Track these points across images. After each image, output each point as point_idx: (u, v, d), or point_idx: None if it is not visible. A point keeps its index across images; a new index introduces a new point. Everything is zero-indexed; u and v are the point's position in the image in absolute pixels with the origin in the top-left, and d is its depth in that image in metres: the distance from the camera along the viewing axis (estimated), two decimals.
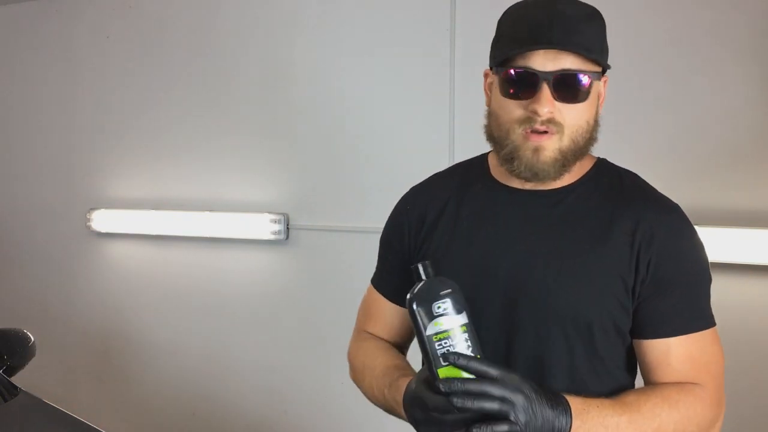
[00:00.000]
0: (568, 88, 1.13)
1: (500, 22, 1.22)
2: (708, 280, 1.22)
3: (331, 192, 2.87)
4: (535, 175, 1.17)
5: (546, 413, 1.02)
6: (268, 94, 3.00)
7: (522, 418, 1.00)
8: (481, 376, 1.01)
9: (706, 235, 2.09)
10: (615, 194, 1.22)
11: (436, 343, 1.03)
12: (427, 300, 1.05)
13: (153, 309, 3.32)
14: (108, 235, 3.43)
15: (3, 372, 2.06)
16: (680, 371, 1.16)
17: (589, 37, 1.14)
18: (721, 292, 2.14)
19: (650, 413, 1.10)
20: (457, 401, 0.99)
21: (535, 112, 1.13)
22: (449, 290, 1.05)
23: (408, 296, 1.06)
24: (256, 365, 3.06)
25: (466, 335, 1.04)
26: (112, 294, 3.44)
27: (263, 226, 2.95)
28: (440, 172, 1.41)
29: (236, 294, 3.10)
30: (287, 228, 2.94)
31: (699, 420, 1.14)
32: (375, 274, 1.45)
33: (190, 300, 3.21)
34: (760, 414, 2.14)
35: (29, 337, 2.17)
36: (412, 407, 1.08)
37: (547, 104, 1.12)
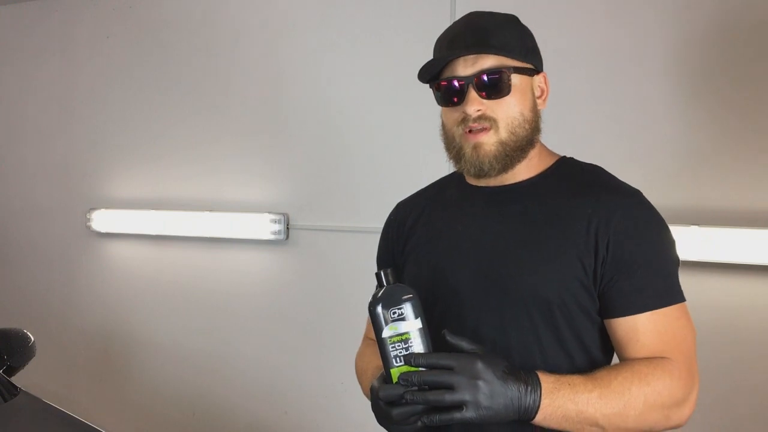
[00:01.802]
0: (491, 85, 1.24)
1: (434, 47, 1.33)
2: (673, 260, 1.27)
3: (331, 192, 2.87)
4: (480, 170, 1.27)
5: (511, 393, 1.09)
6: (268, 94, 3.00)
7: (476, 405, 1.07)
8: (437, 368, 1.09)
9: (706, 235, 2.11)
10: (574, 184, 1.30)
11: (390, 346, 1.13)
12: (386, 305, 1.14)
13: (153, 309, 3.32)
14: (108, 235, 3.43)
15: (3, 372, 2.06)
16: (649, 346, 1.21)
17: (503, 38, 1.26)
18: (721, 292, 2.15)
19: (620, 387, 1.15)
20: (407, 395, 1.09)
21: (466, 113, 1.25)
22: (407, 296, 1.14)
23: (369, 301, 1.15)
24: (256, 365, 3.06)
25: (420, 338, 1.13)
26: (112, 294, 3.44)
27: (263, 226, 2.95)
28: (423, 188, 1.53)
29: (236, 294, 3.10)
30: (287, 228, 2.94)
31: (669, 393, 1.17)
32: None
33: (190, 300, 3.21)
34: (760, 414, 2.14)
35: (29, 337, 2.17)
36: (373, 403, 1.20)
37: (473, 104, 1.24)
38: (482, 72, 1.24)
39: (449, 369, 1.09)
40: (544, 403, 1.11)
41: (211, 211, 3.09)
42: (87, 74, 3.48)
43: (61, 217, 3.56)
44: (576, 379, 1.15)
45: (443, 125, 1.34)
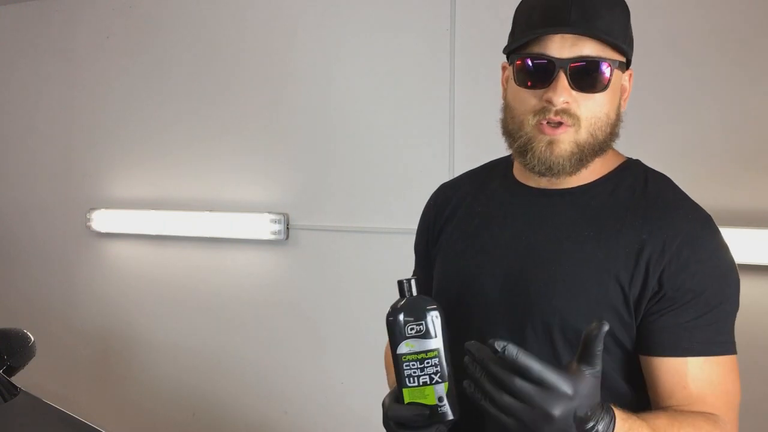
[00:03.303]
0: (586, 76, 1.06)
1: (516, 11, 1.15)
2: (733, 305, 1.11)
3: (331, 192, 2.87)
4: (548, 169, 1.10)
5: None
6: (268, 93, 3.00)
7: None
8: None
9: None
10: (634, 197, 1.13)
11: (405, 364, 1.03)
12: (404, 319, 1.04)
13: (153, 309, 3.32)
14: (108, 235, 3.42)
15: (3, 372, 2.06)
16: (698, 397, 1.06)
17: (610, 22, 1.07)
18: None
19: None
20: (473, 369, 0.93)
21: (550, 101, 1.06)
22: (428, 312, 1.03)
23: (388, 310, 1.05)
24: (256, 365, 3.06)
25: (436, 360, 1.02)
26: (112, 294, 3.44)
27: (263, 226, 2.95)
28: (470, 170, 1.37)
29: (236, 294, 3.10)
30: (287, 228, 2.94)
31: None
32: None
33: (190, 300, 3.21)
34: (762, 417, 2.14)
35: (29, 337, 2.17)
36: (383, 420, 1.08)
37: (562, 93, 1.06)
38: (581, 59, 1.05)
39: (542, 385, 0.88)
40: None
41: (211, 211, 3.09)
42: (87, 74, 3.48)
43: (61, 217, 3.56)
44: (644, 427, 0.98)
45: (509, 108, 1.14)
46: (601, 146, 1.11)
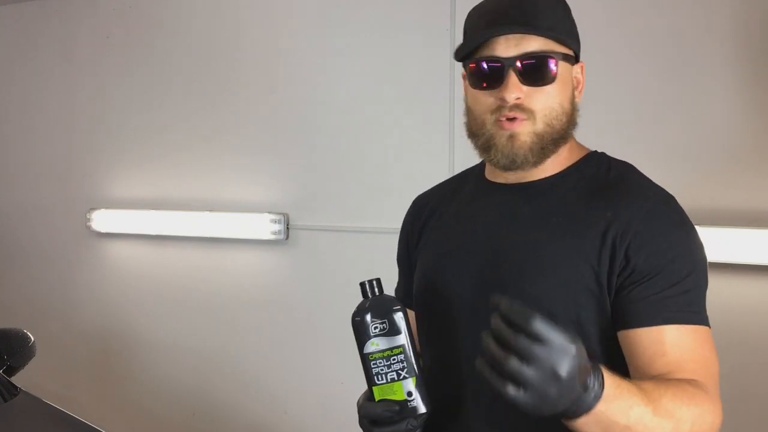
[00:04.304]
0: (534, 71, 1.12)
1: (465, 22, 1.22)
2: (703, 279, 1.14)
3: (331, 192, 2.86)
4: (512, 162, 1.15)
5: (575, 393, 0.90)
6: (268, 93, 3.00)
7: (538, 396, 0.88)
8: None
9: (706, 235, 2.10)
10: (598, 185, 1.18)
11: (371, 363, 1.06)
12: (367, 318, 1.07)
13: (153, 309, 3.32)
14: (108, 235, 3.42)
15: (3, 372, 2.06)
16: (678, 364, 1.07)
17: (551, 19, 1.13)
18: (721, 292, 2.15)
19: (671, 405, 1.00)
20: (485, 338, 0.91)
21: (503, 99, 1.12)
22: (392, 310, 1.07)
23: (353, 312, 1.08)
24: (256, 365, 3.06)
25: (402, 356, 1.05)
26: (112, 294, 3.44)
27: (263, 226, 2.95)
28: (447, 179, 1.42)
29: (236, 294, 3.09)
30: (287, 228, 2.94)
31: (711, 419, 1.05)
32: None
33: (190, 300, 3.21)
34: (760, 416, 2.14)
35: (29, 337, 2.17)
36: (359, 418, 1.11)
37: (513, 90, 1.11)
38: (526, 56, 1.11)
39: (539, 340, 0.87)
40: (598, 409, 0.93)
41: (211, 211, 3.09)
42: (87, 74, 3.48)
43: (61, 217, 3.56)
44: (633, 389, 0.98)
45: (470, 110, 1.20)
46: (560, 134, 1.16)
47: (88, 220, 3.41)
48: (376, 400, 1.07)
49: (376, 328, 1.06)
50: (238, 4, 3.07)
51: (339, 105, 2.84)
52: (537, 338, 0.87)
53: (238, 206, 3.05)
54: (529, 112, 1.13)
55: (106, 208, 3.38)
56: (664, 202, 1.16)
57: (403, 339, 1.06)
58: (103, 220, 3.38)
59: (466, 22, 1.21)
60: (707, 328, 1.12)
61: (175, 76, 3.23)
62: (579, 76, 1.21)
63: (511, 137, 1.14)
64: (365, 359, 1.07)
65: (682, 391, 1.03)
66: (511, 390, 0.88)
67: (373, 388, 1.07)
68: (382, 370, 1.06)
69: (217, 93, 3.12)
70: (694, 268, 1.13)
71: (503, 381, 0.88)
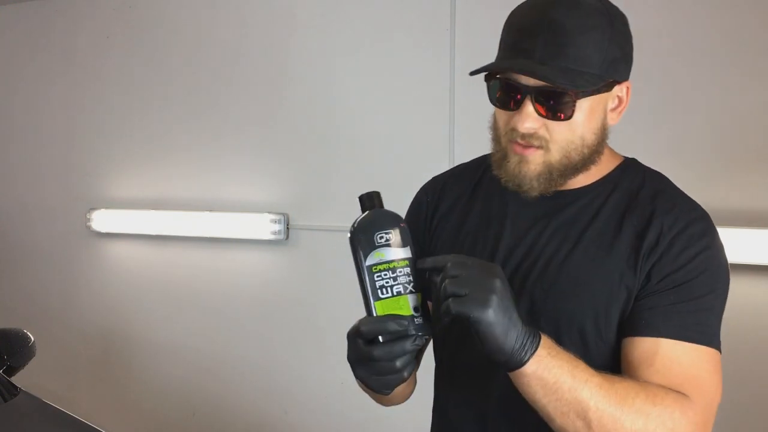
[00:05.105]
0: (553, 104, 1.05)
1: (505, 22, 1.13)
2: (721, 301, 1.10)
3: (331, 192, 2.86)
4: (518, 186, 1.11)
5: (515, 323, 0.94)
6: (268, 94, 3.00)
7: (490, 309, 0.92)
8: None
9: None
10: (632, 197, 1.14)
11: (375, 275, 0.97)
12: (370, 229, 0.98)
13: (153, 309, 3.32)
14: (108, 235, 3.43)
15: (3, 372, 2.06)
16: (663, 376, 1.02)
17: (584, 47, 1.04)
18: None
19: (624, 392, 0.98)
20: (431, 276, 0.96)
21: (515, 128, 1.07)
22: (396, 222, 0.99)
23: (351, 226, 1.00)
24: (256, 365, 3.06)
25: (408, 269, 0.98)
26: (112, 294, 3.44)
27: (263, 226, 2.95)
28: (465, 164, 1.35)
29: (236, 294, 3.10)
30: (287, 228, 2.94)
31: (672, 425, 0.98)
32: None
33: (190, 300, 3.21)
34: (761, 416, 2.14)
35: (29, 337, 2.18)
36: (349, 347, 1.00)
37: (527, 119, 1.05)
38: (545, 89, 1.04)
39: (464, 265, 0.93)
40: (541, 353, 0.95)
41: (211, 211, 3.09)
42: (87, 74, 3.48)
43: (61, 217, 3.56)
44: (578, 360, 0.99)
45: (495, 119, 1.15)
46: (575, 166, 1.11)
47: (88, 220, 3.41)
48: (378, 314, 0.98)
49: (381, 238, 0.98)
50: (238, 5, 3.07)
51: (339, 105, 2.84)
52: (461, 265, 0.95)
53: (238, 206, 3.05)
54: (544, 141, 1.08)
55: (106, 208, 3.38)
56: (697, 221, 1.11)
57: (410, 252, 0.99)
58: (103, 220, 3.38)
59: (505, 22, 1.13)
60: (714, 351, 1.07)
61: (175, 76, 3.23)
62: (622, 95, 1.14)
63: (521, 162, 1.09)
64: (368, 271, 0.97)
65: (645, 389, 1.00)
66: (454, 304, 0.91)
67: (376, 303, 0.97)
68: (387, 282, 0.97)
69: (218, 92, 3.12)
70: (713, 290, 1.09)
71: (446, 304, 0.92)
